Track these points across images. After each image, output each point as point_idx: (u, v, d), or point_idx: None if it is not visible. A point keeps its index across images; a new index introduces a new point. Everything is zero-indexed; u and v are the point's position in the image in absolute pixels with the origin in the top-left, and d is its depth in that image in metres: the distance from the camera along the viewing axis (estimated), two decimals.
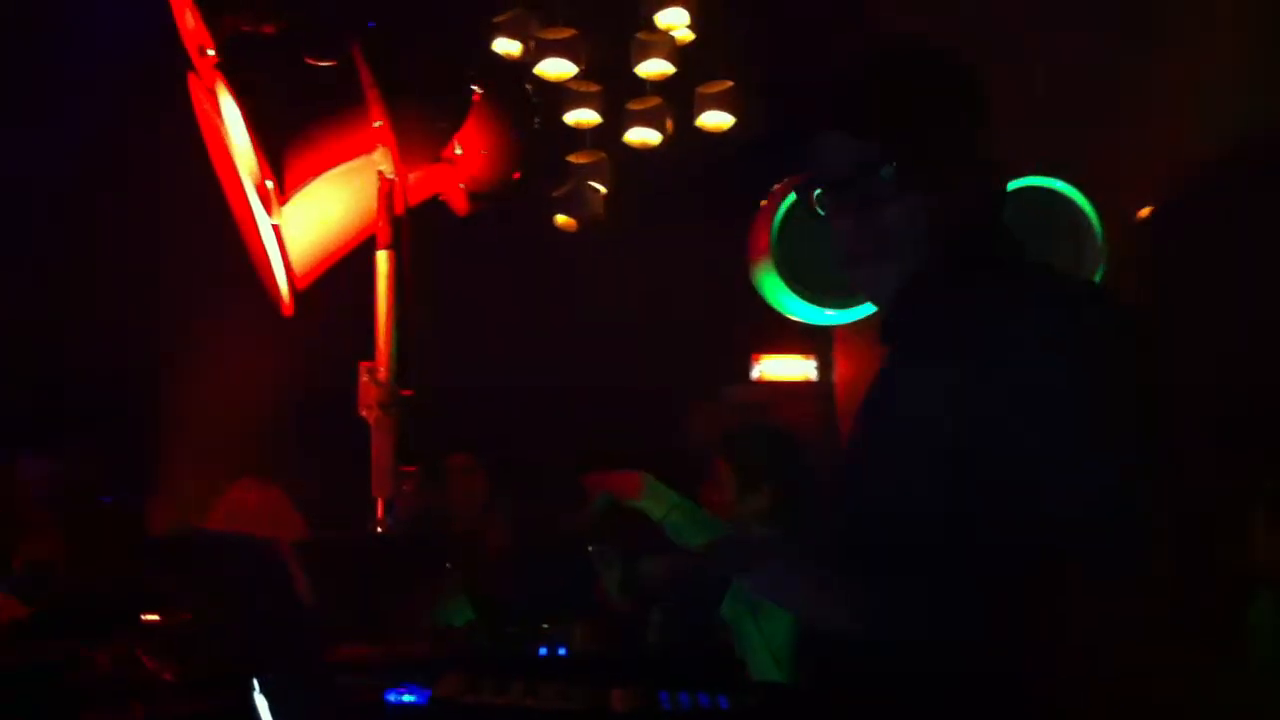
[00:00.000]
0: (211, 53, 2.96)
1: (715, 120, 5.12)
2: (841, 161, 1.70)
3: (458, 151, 3.23)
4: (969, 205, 1.70)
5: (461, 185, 3.29)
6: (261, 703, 1.64)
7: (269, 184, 2.94)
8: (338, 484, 3.39)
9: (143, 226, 4.76)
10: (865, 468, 1.72)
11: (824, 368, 6.64)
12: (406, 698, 1.94)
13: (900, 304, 1.71)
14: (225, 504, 3.64)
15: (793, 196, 3.36)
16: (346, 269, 3.35)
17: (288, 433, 4.68)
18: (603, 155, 5.31)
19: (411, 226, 3.13)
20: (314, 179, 3.09)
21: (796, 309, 3.43)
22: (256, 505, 3.61)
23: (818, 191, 1.73)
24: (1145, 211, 3.84)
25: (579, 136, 5.25)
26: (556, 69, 4.87)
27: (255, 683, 1.63)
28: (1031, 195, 3.41)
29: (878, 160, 1.66)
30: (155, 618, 2.47)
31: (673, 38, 4.89)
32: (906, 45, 1.81)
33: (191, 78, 3.11)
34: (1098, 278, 3.50)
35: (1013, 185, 3.44)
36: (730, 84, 5.09)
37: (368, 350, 3.13)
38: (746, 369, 6.70)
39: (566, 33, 4.83)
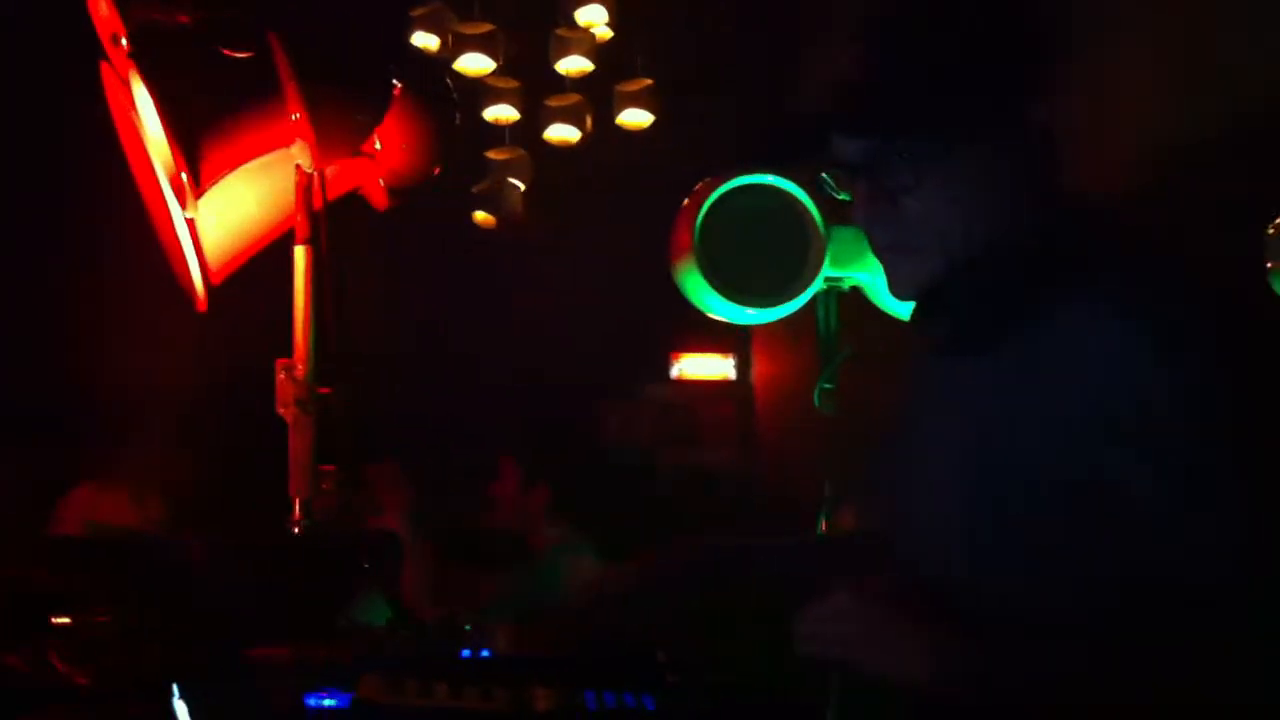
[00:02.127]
0: (125, 42, 2.89)
1: (634, 118, 5.14)
2: (848, 148, 1.50)
3: (377, 146, 3.18)
4: (1015, 178, 1.48)
5: (381, 180, 3.24)
6: (181, 708, 1.60)
7: (184, 177, 2.87)
8: (254, 483, 3.34)
9: (48, 221, 4.65)
10: (933, 496, 1.53)
11: (743, 366, 6.67)
12: (327, 701, 1.91)
13: (943, 300, 1.50)
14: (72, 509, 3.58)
15: (716, 194, 3.35)
16: (263, 264, 3.30)
17: (202, 431, 4.59)
18: (522, 152, 5.30)
19: (330, 221, 3.08)
20: (230, 172, 3.02)
21: (719, 308, 3.42)
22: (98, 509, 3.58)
23: (824, 174, 1.53)
24: None
25: (498, 133, 5.23)
26: (475, 64, 4.85)
27: (174, 688, 1.59)
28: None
29: (888, 150, 1.46)
30: (67, 620, 2.40)
31: (592, 34, 4.90)
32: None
33: (104, 67, 3.04)
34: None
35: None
36: (649, 82, 5.11)
37: (285, 347, 3.08)
38: (665, 367, 6.70)
39: (484, 27, 4.82)
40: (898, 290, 1.55)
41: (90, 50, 3.01)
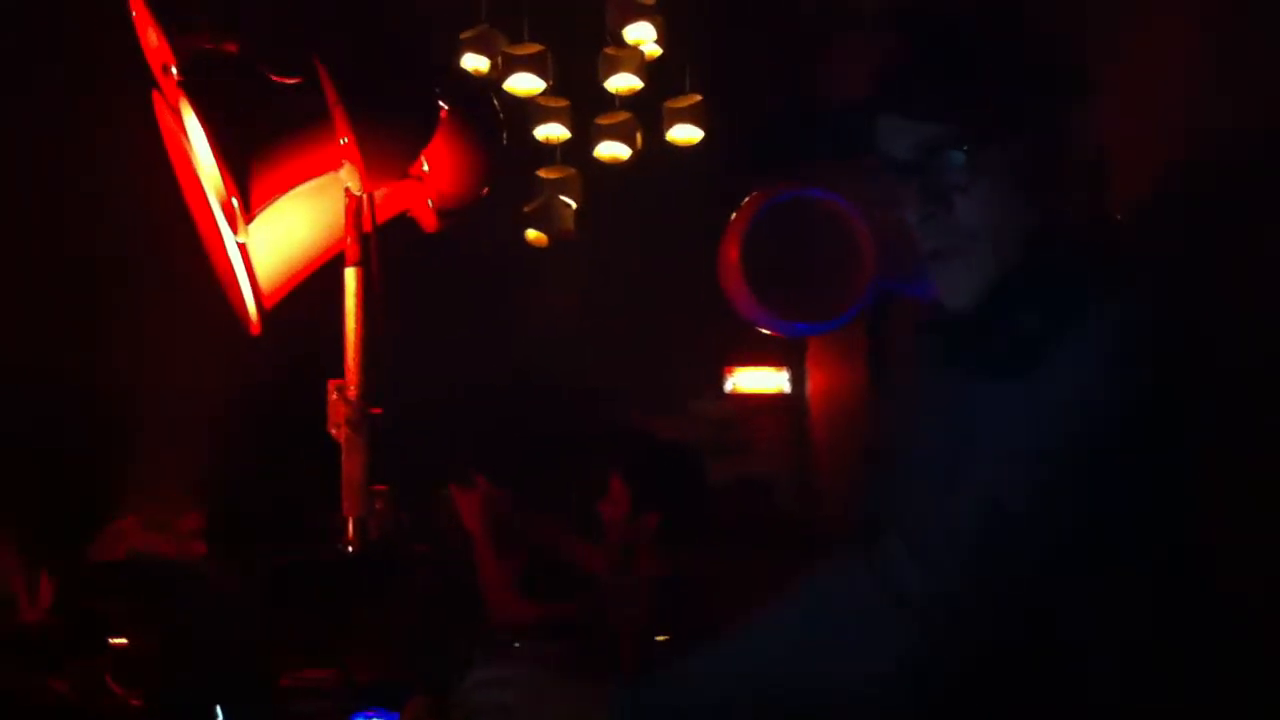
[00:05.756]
0: (175, 71, 2.93)
1: (684, 134, 5.13)
2: (900, 144, 1.47)
3: (425, 168, 3.21)
4: (1062, 189, 1.46)
5: (430, 202, 3.26)
6: None
7: (234, 202, 2.90)
8: (307, 504, 3.36)
9: (104, 247, 4.72)
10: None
11: (797, 380, 6.64)
12: None
13: (980, 313, 1.47)
14: None
15: (764, 208, 3.34)
16: (314, 287, 3.33)
17: (254, 452, 4.64)
18: (573, 170, 5.31)
19: (380, 243, 3.10)
20: (280, 196, 3.05)
21: (768, 321, 3.42)
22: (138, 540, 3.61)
23: (880, 177, 1.49)
24: None
25: (548, 151, 5.25)
26: (524, 84, 4.87)
27: (219, 711, 1.60)
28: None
29: (942, 144, 1.44)
30: (124, 643, 2.43)
31: (641, 53, 4.90)
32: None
33: (156, 96, 3.08)
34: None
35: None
36: (699, 98, 5.11)
37: (337, 368, 3.10)
38: (719, 382, 6.68)
39: (534, 49, 4.84)
40: (951, 299, 1.50)
41: (139, 78, 3.06)
